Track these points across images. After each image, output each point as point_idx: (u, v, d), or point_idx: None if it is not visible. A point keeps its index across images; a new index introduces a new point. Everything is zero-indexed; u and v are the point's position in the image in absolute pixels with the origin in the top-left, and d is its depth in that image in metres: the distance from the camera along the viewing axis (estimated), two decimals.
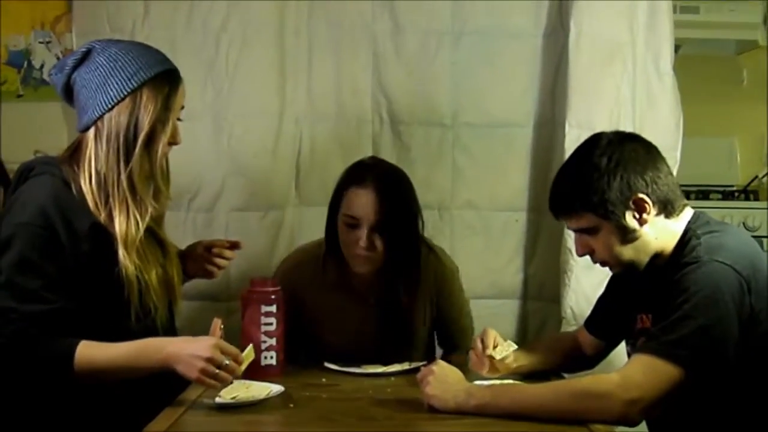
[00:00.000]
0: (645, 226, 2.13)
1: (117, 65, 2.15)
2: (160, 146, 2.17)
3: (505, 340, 2.39)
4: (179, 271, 2.35)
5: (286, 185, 3.03)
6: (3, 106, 3.26)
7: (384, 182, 2.54)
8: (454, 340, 2.75)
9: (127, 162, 2.13)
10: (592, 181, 2.10)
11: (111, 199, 2.14)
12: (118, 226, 2.14)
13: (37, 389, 2.10)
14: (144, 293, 2.17)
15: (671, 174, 2.17)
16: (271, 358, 2.36)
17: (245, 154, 2.97)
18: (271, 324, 2.35)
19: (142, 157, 2.15)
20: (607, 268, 2.39)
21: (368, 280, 2.62)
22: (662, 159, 2.17)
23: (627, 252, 2.15)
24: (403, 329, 2.65)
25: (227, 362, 2.05)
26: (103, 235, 2.13)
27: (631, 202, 2.10)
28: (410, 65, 3.05)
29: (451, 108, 3.09)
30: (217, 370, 2.04)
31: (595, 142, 2.17)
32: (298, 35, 3.03)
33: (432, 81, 3.07)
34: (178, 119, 2.24)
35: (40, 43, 3.33)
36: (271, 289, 2.38)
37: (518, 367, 2.37)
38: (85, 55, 2.18)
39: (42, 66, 3.30)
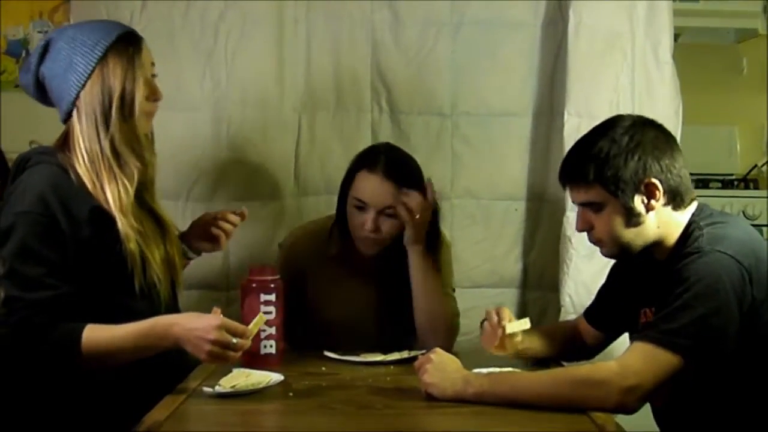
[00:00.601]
0: (650, 213, 2.12)
1: (77, 42, 2.17)
2: (137, 105, 2.18)
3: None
4: (179, 251, 2.36)
5: (285, 175, 3.03)
6: (2, 95, 3.26)
7: (394, 169, 2.57)
8: None
9: (107, 129, 2.15)
10: (609, 156, 2.10)
11: (98, 171, 2.15)
12: (110, 195, 2.14)
13: (44, 377, 2.10)
14: (147, 268, 2.18)
15: (685, 168, 2.16)
16: (271, 346, 2.35)
17: (244, 144, 2.97)
18: (270, 313, 2.34)
19: (120, 121, 2.16)
20: (606, 259, 2.40)
21: (372, 257, 2.65)
22: (680, 151, 2.17)
23: (627, 235, 2.14)
24: (403, 306, 2.64)
25: (235, 341, 2.06)
26: (104, 219, 2.14)
27: (642, 186, 2.10)
28: (409, 55, 3.05)
29: (450, 97, 3.09)
30: (225, 351, 2.05)
31: (618, 121, 2.18)
32: (296, 25, 3.03)
33: (431, 70, 3.07)
34: (153, 75, 2.25)
35: (39, 32, 3.34)
36: (270, 277, 2.38)
37: (522, 350, 2.37)
38: (46, 47, 2.20)
39: None
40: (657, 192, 2.11)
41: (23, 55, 3.33)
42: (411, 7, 3.06)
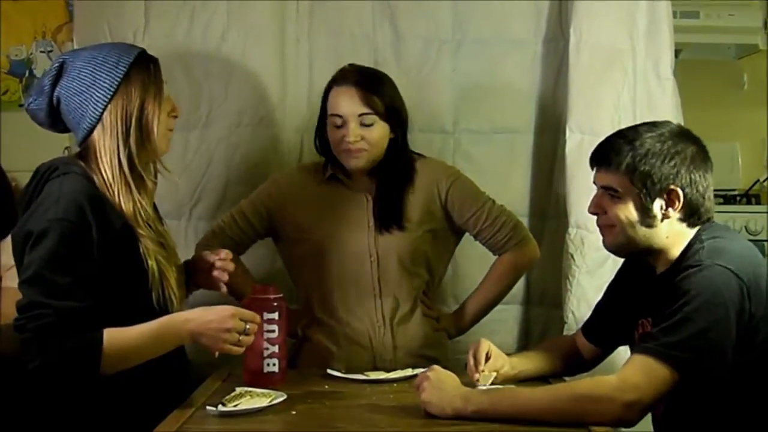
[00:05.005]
0: (665, 221, 2.14)
1: (97, 61, 2.19)
2: (158, 121, 2.20)
3: (503, 351, 2.39)
4: (182, 274, 2.35)
5: None
6: (4, 115, 3.27)
7: (362, 77, 2.63)
8: (492, 233, 2.75)
9: (127, 144, 2.17)
10: (649, 152, 2.12)
11: (118, 186, 2.16)
12: (126, 210, 2.16)
13: (64, 382, 2.09)
14: (164, 285, 2.19)
15: (711, 190, 2.18)
16: (274, 365, 2.35)
17: (246, 162, 2.99)
18: (273, 331, 2.34)
19: (141, 137, 2.18)
20: (608, 275, 2.40)
21: (364, 177, 2.68)
22: (711, 173, 2.18)
23: (636, 230, 2.15)
24: (396, 221, 2.66)
25: (248, 326, 2.11)
26: (131, 236, 2.16)
27: (666, 192, 2.11)
28: (411, 73, 3.05)
29: (452, 114, 3.09)
30: (239, 337, 2.10)
31: (669, 126, 2.21)
32: (298, 44, 3.05)
33: (433, 88, 3.08)
34: None
35: (42, 52, 3.35)
36: (273, 296, 2.37)
37: (518, 373, 2.37)
38: (60, 69, 2.22)
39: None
40: (677, 202, 2.12)
41: (26, 74, 3.34)
42: (412, 25, 3.07)
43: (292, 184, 2.74)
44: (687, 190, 2.12)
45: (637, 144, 2.14)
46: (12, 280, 2.43)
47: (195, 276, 2.42)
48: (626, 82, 2.97)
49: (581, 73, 2.95)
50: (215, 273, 2.37)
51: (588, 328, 2.47)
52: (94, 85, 2.17)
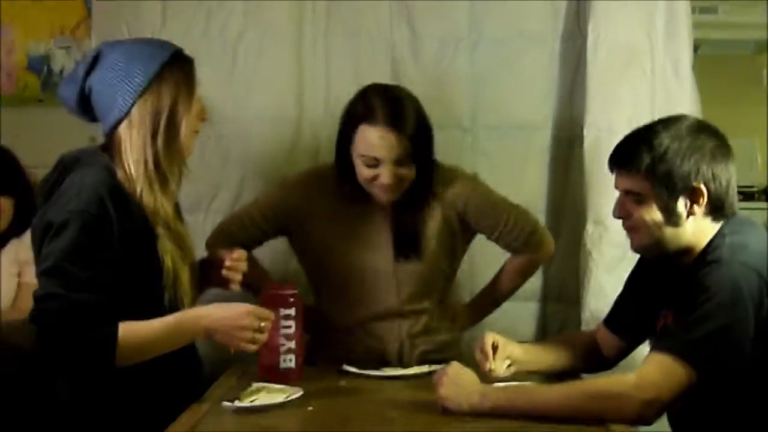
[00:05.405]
0: (690, 219, 2.12)
1: (132, 55, 2.18)
2: (186, 122, 2.20)
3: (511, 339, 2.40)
4: (196, 275, 2.34)
5: None
6: (23, 110, 3.28)
7: (394, 115, 2.49)
8: (509, 240, 2.71)
9: (154, 142, 2.16)
10: (668, 152, 2.09)
11: (141, 182, 2.16)
12: (147, 207, 2.16)
13: (79, 375, 2.11)
14: (177, 285, 2.20)
15: (734, 183, 2.16)
16: (290, 361, 2.36)
17: (264, 158, 2.99)
18: (289, 327, 2.35)
19: (168, 136, 2.18)
20: (626, 271, 2.39)
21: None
22: (734, 165, 2.16)
23: (664, 232, 2.13)
24: (415, 238, 2.62)
25: (262, 324, 2.13)
26: (148, 231, 2.16)
27: (689, 190, 2.09)
28: (428, 70, 3.04)
29: (469, 111, 3.08)
30: (254, 335, 2.12)
31: (687, 121, 2.18)
32: (315, 43, 3.04)
33: (450, 85, 3.07)
34: None
35: (60, 48, 3.36)
36: (289, 291, 2.38)
37: (531, 359, 2.37)
38: (96, 59, 2.21)
39: (62, 71, 3.34)
40: (701, 199, 2.10)
41: (45, 71, 3.35)
42: (429, 23, 3.06)
43: (310, 199, 2.66)
44: (710, 185, 2.10)
45: (655, 144, 2.11)
46: (30, 275, 2.43)
47: (209, 274, 2.42)
48: (644, 80, 2.96)
49: (599, 70, 2.94)
50: (224, 272, 2.36)
51: (611, 319, 2.45)
52: (126, 77, 2.16)
